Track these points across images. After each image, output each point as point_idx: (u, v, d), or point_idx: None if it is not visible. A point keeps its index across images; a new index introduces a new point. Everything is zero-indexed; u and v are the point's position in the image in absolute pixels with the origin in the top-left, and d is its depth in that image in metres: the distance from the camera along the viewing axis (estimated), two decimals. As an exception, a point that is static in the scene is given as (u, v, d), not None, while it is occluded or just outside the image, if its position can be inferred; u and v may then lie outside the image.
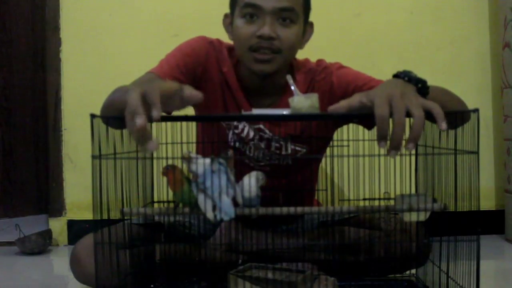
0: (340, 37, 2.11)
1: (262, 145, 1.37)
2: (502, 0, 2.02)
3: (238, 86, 1.36)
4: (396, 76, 1.05)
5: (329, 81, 1.36)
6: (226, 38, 1.39)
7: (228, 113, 1.36)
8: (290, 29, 1.28)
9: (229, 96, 1.37)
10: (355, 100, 0.97)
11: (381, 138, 0.91)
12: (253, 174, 1.06)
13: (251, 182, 1.04)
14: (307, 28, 1.37)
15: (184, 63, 1.30)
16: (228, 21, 1.36)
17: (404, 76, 1.02)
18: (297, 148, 1.38)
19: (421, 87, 1.01)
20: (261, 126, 1.36)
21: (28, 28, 2.68)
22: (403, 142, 0.92)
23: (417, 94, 0.97)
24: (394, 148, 0.91)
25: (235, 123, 1.36)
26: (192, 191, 1.03)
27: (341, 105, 0.98)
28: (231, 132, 1.37)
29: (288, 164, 1.38)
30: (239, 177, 1.09)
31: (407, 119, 0.92)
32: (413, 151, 1.15)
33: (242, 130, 1.36)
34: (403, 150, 0.92)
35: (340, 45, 2.10)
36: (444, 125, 0.91)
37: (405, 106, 0.91)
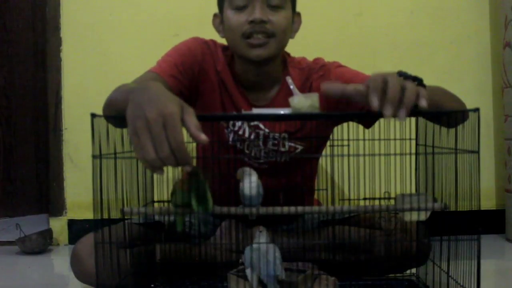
0: (340, 37, 2.11)
1: (260, 142, 1.37)
2: (503, -1, 2.02)
3: (233, 84, 1.37)
4: None
5: (328, 80, 1.37)
6: (222, 39, 1.39)
7: (225, 112, 1.37)
8: (280, 13, 1.29)
9: (225, 94, 1.37)
10: (351, 86, 0.98)
11: (372, 94, 0.92)
12: (253, 172, 1.07)
13: (252, 180, 1.05)
14: (295, 18, 1.37)
15: (182, 63, 1.31)
16: (218, 21, 1.37)
17: (400, 76, 1.03)
18: (294, 145, 1.38)
19: (418, 84, 1.01)
20: (257, 123, 1.36)
21: (28, 27, 2.68)
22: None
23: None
24: (390, 104, 0.91)
25: (231, 121, 1.36)
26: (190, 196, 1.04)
27: (336, 86, 1.00)
28: (229, 130, 1.37)
29: (286, 162, 1.39)
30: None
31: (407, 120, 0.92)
32: (413, 150, 1.15)
33: (240, 128, 1.37)
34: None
35: (340, 45, 2.10)
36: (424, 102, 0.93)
37: (400, 82, 0.93)
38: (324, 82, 1.35)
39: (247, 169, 1.07)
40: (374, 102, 0.92)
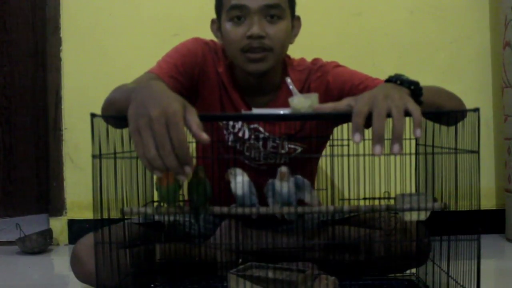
0: (340, 37, 2.11)
1: (259, 144, 1.37)
2: (503, -1, 2.02)
3: (232, 86, 1.37)
4: (388, 80, 1.05)
5: (325, 80, 1.37)
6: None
7: (225, 113, 1.36)
8: (279, 25, 1.28)
9: (225, 96, 1.37)
10: (342, 103, 0.98)
11: (356, 131, 0.90)
12: (242, 172, 1.07)
13: (239, 180, 1.05)
14: (295, 22, 1.37)
15: (182, 63, 1.31)
16: (216, 27, 1.37)
17: (396, 80, 1.02)
18: (294, 147, 1.38)
19: (414, 89, 1.01)
20: (257, 125, 1.36)
21: (28, 27, 2.68)
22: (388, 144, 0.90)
23: (403, 96, 0.95)
24: (377, 142, 0.89)
25: (231, 123, 1.36)
26: (177, 190, 1.04)
27: (327, 106, 0.99)
28: (228, 132, 1.37)
29: (286, 163, 1.38)
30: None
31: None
32: (413, 150, 1.15)
33: (239, 130, 1.37)
34: (387, 150, 0.90)
35: (340, 45, 2.10)
36: (418, 133, 0.89)
37: (387, 106, 0.91)
38: (323, 85, 1.37)
39: (237, 170, 1.07)
40: (356, 138, 0.90)
